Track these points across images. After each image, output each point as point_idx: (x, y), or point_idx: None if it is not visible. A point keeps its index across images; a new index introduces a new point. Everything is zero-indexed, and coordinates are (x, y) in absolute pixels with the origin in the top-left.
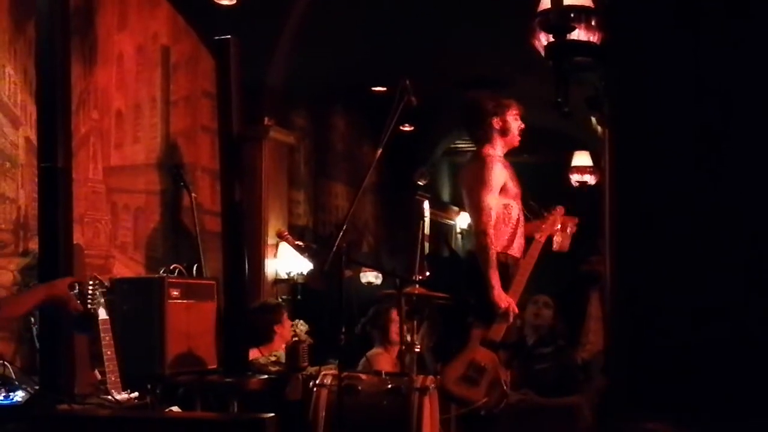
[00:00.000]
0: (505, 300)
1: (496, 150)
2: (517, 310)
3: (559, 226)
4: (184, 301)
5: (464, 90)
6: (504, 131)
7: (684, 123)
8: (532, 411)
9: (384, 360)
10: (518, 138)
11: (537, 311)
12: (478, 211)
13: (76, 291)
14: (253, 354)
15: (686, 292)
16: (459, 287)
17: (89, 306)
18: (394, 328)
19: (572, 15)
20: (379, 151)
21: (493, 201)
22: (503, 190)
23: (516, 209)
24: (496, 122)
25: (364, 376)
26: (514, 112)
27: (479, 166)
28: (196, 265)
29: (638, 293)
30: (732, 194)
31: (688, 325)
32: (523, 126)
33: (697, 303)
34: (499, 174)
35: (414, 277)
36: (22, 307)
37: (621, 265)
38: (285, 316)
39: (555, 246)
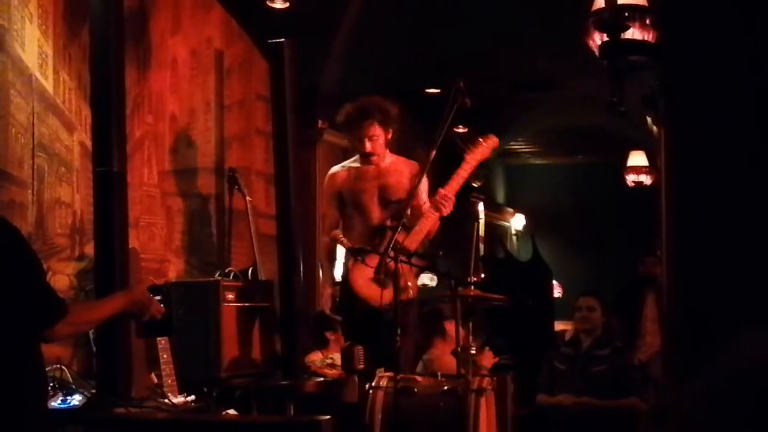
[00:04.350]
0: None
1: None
2: None
3: None
4: (240, 304)
5: (518, 91)
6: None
7: (740, 121)
8: (590, 413)
9: (442, 363)
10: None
11: (582, 316)
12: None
13: (159, 297)
14: (315, 355)
15: (743, 293)
16: (515, 288)
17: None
18: (450, 330)
19: (626, 14)
20: (433, 153)
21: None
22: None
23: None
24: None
25: (419, 378)
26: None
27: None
28: (251, 268)
29: (695, 293)
30: None
31: (746, 326)
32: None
33: (755, 304)
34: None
35: (469, 279)
36: (98, 313)
37: (678, 265)
38: None
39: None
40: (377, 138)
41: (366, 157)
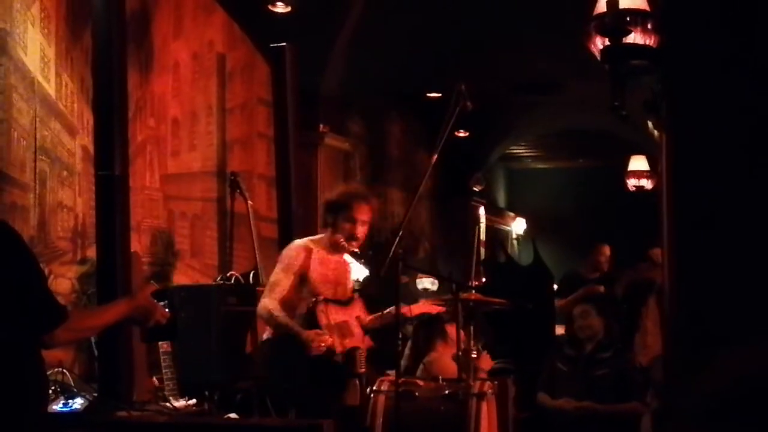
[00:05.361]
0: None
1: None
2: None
3: None
4: (241, 308)
5: (518, 94)
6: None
7: (742, 126)
8: (591, 417)
9: (443, 365)
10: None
11: (581, 324)
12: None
13: (165, 302)
14: None
15: (745, 297)
16: (516, 292)
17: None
18: (451, 333)
19: (628, 18)
20: (435, 157)
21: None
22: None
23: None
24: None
25: (421, 382)
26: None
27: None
28: (252, 271)
29: (696, 298)
30: None
31: (748, 331)
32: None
33: (757, 309)
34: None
35: (470, 283)
36: (100, 320)
37: (679, 270)
38: None
39: None
40: (367, 224)
41: (348, 243)
